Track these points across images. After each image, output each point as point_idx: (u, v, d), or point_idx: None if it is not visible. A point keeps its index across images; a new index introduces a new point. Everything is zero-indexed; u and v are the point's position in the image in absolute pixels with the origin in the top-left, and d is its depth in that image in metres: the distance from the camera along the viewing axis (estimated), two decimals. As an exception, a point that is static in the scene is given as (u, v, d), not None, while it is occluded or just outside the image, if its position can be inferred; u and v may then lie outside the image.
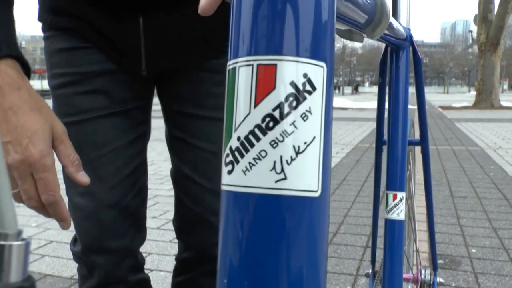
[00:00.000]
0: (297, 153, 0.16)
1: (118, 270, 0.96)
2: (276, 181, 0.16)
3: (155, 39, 0.85)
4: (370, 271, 1.17)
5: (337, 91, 54.14)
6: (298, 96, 0.16)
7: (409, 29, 0.83)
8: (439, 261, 2.29)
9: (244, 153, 0.16)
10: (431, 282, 1.20)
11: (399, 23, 0.84)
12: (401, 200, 0.82)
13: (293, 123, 0.16)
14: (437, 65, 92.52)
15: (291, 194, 0.16)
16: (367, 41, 0.42)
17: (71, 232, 2.39)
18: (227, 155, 0.16)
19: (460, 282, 2.07)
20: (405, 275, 1.27)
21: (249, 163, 0.16)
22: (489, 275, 2.14)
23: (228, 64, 0.17)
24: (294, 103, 0.16)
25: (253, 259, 0.16)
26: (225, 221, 0.17)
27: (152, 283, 2.03)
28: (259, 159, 0.16)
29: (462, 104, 18.82)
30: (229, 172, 0.16)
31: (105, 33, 0.84)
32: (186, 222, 1.06)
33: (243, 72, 0.16)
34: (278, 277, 0.16)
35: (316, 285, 0.16)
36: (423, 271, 1.21)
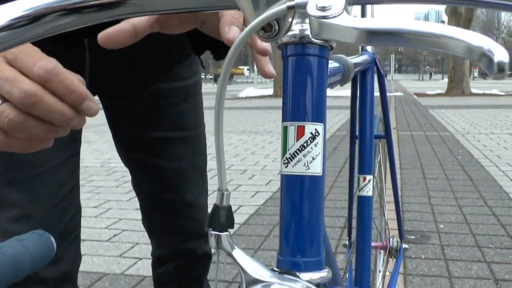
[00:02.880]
0: (313, 159, 0.41)
1: None
2: (305, 170, 0.41)
3: (102, 59, 0.80)
4: (347, 242, 1.35)
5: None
6: (313, 139, 0.41)
7: (373, 53, 1.08)
8: (411, 237, 2.47)
9: (292, 159, 0.41)
10: (398, 248, 1.40)
11: (366, 50, 1.08)
12: (369, 181, 1.00)
13: (310, 148, 0.41)
14: (412, 53, 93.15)
15: (311, 174, 0.41)
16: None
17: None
18: (285, 159, 0.42)
19: (428, 254, 2.27)
20: (376, 243, 1.48)
21: (295, 163, 0.41)
22: (453, 247, 2.34)
23: (282, 123, 0.42)
24: (311, 141, 0.41)
25: (294, 212, 0.42)
26: (283, 191, 0.42)
27: (142, 270, 2.07)
28: (299, 161, 0.41)
29: (435, 91, 19.14)
30: (286, 166, 0.42)
31: (48, 51, 0.63)
32: (156, 227, 1.08)
33: (290, 129, 0.41)
34: (303, 220, 0.41)
35: (319, 227, 0.42)
36: (391, 239, 1.40)
